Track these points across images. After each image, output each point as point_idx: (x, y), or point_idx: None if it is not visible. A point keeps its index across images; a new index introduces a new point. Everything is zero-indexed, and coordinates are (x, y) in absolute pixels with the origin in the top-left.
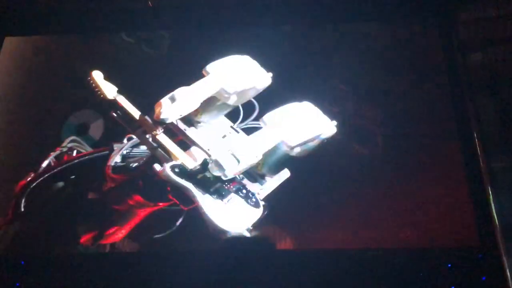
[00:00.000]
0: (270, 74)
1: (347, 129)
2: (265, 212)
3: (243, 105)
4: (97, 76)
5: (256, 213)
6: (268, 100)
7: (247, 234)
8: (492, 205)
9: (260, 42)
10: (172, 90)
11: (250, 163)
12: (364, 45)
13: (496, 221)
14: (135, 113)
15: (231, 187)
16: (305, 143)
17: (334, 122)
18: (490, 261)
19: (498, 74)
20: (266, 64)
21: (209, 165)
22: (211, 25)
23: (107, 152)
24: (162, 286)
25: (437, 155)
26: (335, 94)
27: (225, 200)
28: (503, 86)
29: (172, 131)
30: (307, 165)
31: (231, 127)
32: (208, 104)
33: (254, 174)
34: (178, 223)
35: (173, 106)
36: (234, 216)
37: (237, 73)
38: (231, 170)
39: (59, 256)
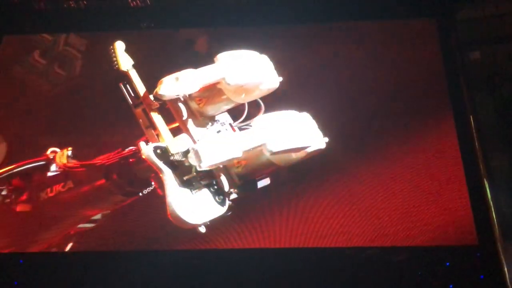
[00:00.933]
0: (280, 79)
1: (345, 127)
2: (229, 213)
3: (250, 105)
4: (119, 46)
5: (219, 211)
6: (276, 102)
7: (202, 230)
8: (491, 203)
9: (260, 43)
10: None
11: (226, 158)
12: (363, 43)
13: (494, 219)
14: (142, 89)
15: (204, 180)
16: (287, 151)
17: (326, 139)
18: (488, 260)
19: (496, 72)
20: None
21: (189, 154)
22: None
23: (43, 162)
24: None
25: (436, 153)
26: (334, 91)
27: (194, 191)
28: (502, 84)
29: (171, 115)
30: (306, 162)
31: (230, 124)
32: (213, 96)
33: (233, 174)
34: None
35: (172, 84)
36: (195, 208)
37: (243, 67)
38: (207, 161)
39: (56, 254)
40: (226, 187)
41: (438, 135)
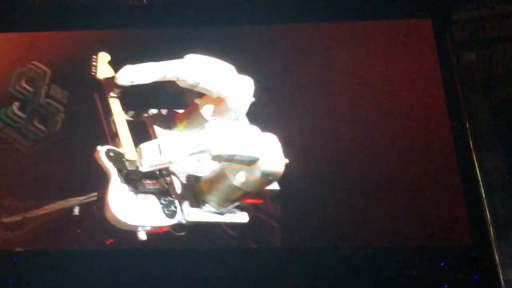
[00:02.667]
0: (252, 99)
1: (340, 126)
2: (182, 233)
3: None
4: (102, 57)
5: (162, 221)
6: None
7: (142, 237)
8: (485, 204)
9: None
10: None
11: (170, 159)
12: (358, 44)
13: (489, 220)
14: (112, 99)
15: (150, 184)
16: (231, 158)
17: (286, 160)
18: (482, 260)
19: (492, 73)
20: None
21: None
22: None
23: None
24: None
25: (431, 154)
26: (329, 90)
27: (140, 195)
28: (497, 85)
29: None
30: (304, 163)
31: None
32: (193, 117)
33: (201, 201)
34: None
35: (129, 72)
36: (134, 210)
37: (204, 71)
38: (149, 161)
39: (51, 253)
40: (187, 208)
41: (433, 135)
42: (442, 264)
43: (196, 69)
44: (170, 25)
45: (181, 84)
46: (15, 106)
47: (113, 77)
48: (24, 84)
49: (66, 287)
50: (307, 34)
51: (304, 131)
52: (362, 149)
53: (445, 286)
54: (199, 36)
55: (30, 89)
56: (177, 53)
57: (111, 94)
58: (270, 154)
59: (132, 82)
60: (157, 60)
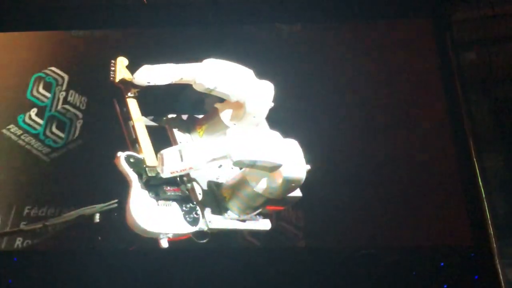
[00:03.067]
0: (271, 104)
1: (341, 128)
2: (205, 240)
3: None
4: (120, 61)
5: (184, 228)
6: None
7: (164, 244)
8: (485, 204)
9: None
10: None
11: (192, 165)
12: (358, 44)
13: (489, 220)
14: (132, 104)
15: (171, 191)
16: (253, 164)
17: (308, 167)
18: (482, 260)
19: (491, 73)
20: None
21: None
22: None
23: None
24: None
25: (431, 154)
26: (329, 92)
27: (161, 202)
28: (497, 85)
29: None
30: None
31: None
32: (213, 122)
33: (222, 207)
34: None
35: (146, 72)
36: (155, 216)
37: (221, 75)
38: (170, 167)
39: (51, 253)
40: (208, 214)
41: (433, 135)
42: (442, 264)
43: (212, 73)
44: (188, 24)
45: (197, 88)
46: (33, 112)
47: (131, 81)
48: (41, 90)
49: (66, 286)
50: (307, 34)
51: (324, 136)
52: (361, 152)
53: (445, 286)
54: (218, 36)
55: (48, 95)
56: (195, 54)
57: (129, 94)
58: (292, 160)
59: (148, 82)
60: (174, 61)
